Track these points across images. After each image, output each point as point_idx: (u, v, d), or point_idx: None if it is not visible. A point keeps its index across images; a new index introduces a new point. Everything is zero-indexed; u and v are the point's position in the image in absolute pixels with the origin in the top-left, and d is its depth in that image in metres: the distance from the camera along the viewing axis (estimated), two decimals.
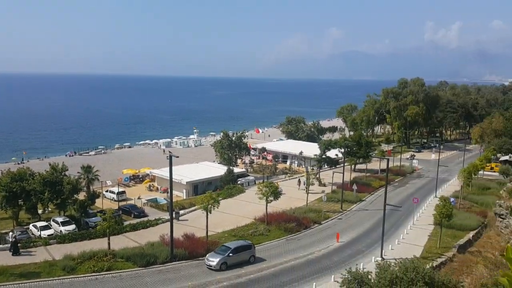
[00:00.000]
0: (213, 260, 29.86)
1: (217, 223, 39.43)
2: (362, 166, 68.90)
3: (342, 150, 60.80)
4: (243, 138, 76.66)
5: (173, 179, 33.13)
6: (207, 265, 30.02)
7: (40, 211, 50.00)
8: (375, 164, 70.78)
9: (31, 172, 50.48)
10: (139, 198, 59.86)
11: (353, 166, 67.45)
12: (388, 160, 37.93)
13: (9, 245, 33.51)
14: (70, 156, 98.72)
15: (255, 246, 33.38)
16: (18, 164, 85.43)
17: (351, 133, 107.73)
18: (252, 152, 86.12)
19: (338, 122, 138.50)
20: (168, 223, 39.76)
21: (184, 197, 60.18)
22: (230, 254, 30.35)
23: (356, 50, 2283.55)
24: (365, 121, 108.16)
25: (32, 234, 42.46)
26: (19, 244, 32.31)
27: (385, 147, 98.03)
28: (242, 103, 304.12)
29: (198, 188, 63.26)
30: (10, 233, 36.43)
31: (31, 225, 44.79)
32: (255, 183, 62.23)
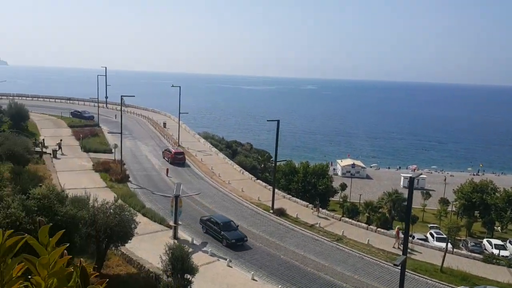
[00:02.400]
0: None
1: None
2: None
3: None
4: None
5: None
6: None
7: (497, 228, 47.91)
8: None
9: (494, 186, 49.24)
10: None
11: None
12: None
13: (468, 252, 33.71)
14: None
15: None
16: (474, 175, 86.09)
17: None
18: None
19: None
20: None
21: None
22: None
23: None
24: None
25: (485, 249, 41.18)
26: None
27: None
28: None
29: None
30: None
31: (485, 240, 43.49)
32: None
